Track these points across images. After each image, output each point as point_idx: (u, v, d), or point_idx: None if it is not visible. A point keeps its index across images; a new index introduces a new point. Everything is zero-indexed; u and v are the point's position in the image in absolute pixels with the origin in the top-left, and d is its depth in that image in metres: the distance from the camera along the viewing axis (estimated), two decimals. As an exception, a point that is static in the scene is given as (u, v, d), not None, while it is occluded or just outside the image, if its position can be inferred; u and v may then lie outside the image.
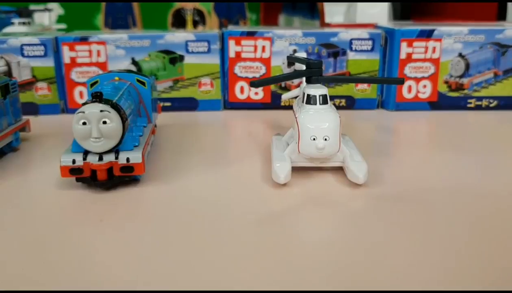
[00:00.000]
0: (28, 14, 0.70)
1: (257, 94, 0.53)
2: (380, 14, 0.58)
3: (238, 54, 0.52)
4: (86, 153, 0.31)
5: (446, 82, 0.52)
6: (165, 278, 0.23)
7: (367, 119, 0.51)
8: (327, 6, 0.60)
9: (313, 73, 0.35)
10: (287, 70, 0.52)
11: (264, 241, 0.26)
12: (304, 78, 0.38)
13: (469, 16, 0.70)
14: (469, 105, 0.53)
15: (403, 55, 0.51)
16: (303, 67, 0.38)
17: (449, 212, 0.30)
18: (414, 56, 0.51)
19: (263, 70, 0.52)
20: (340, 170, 0.36)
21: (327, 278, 0.23)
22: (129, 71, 0.40)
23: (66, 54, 0.50)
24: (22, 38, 0.50)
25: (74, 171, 0.31)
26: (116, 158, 0.31)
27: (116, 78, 0.38)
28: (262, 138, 0.44)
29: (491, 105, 0.53)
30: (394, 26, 0.51)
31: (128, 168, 0.32)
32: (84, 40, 0.50)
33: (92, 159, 0.31)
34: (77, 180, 0.32)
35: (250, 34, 0.52)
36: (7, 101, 0.39)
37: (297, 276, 0.23)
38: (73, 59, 0.51)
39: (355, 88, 0.53)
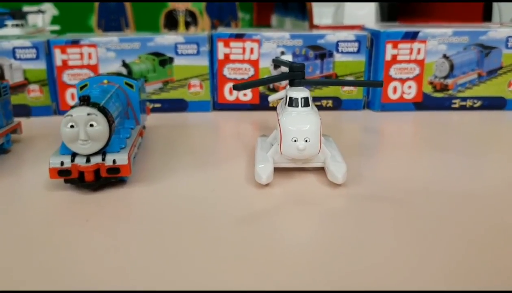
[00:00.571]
0: (22, 16, 0.71)
1: (246, 95, 0.54)
2: (368, 16, 0.59)
3: (227, 56, 0.53)
4: (74, 154, 0.32)
5: (431, 83, 0.53)
6: (150, 278, 0.24)
7: (352, 120, 0.52)
8: (315, 8, 0.61)
9: (296, 76, 0.36)
10: (274, 72, 0.53)
11: (245, 242, 0.27)
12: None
13: (456, 17, 0.71)
14: (453, 105, 0.54)
15: (388, 57, 0.52)
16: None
17: (427, 212, 0.31)
18: (399, 58, 0.52)
19: (251, 72, 0.53)
20: (321, 170, 0.37)
21: (306, 276, 0.24)
22: (118, 74, 0.41)
23: (58, 56, 0.51)
24: (14, 41, 0.51)
25: (63, 173, 0.32)
26: (103, 159, 0.32)
27: (105, 81, 0.39)
28: (249, 139, 0.45)
29: (475, 105, 0.54)
30: (379, 28, 0.52)
31: (114, 170, 0.33)
32: (75, 43, 0.51)
33: (80, 161, 0.32)
34: (66, 181, 0.33)
35: (239, 37, 0.52)
36: (-1, 104, 0.40)
37: (278, 275, 0.24)
38: (64, 62, 0.52)
39: (342, 89, 0.54)
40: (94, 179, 0.32)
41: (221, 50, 0.53)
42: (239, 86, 0.33)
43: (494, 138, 0.47)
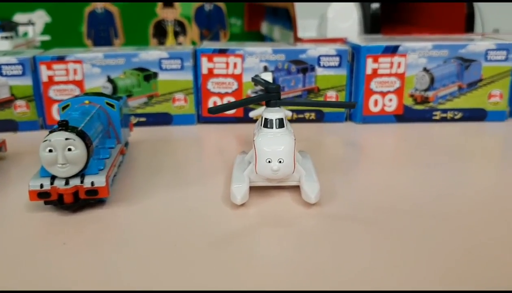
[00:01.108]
0: (12, 28, 0.72)
1: (230, 109, 0.55)
2: (351, 29, 0.59)
3: (210, 70, 0.54)
4: (53, 177, 0.33)
5: (412, 95, 0.54)
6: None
7: (334, 133, 0.53)
8: (299, 20, 0.62)
9: (272, 97, 0.37)
10: (256, 88, 0.54)
11: (218, 264, 0.28)
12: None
13: (439, 27, 0.72)
14: (434, 117, 0.55)
15: (369, 71, 0.53)
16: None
17: (401, 231, 0.31)
18: (379, 71, 0.53)
19: (235, 86, 0.54)
20: (297, 188, 0.37)
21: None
22: (99, 94, 0.42)
23: (44, 73, 0.52)
24: (0, 58, 0.52)
25: (42, 195, 0.33)
26: (82, 182, 0.33)
27: (86, 101, 0.40)
28: (231, 154, 0.45)
29: (456, 117, 0.55)
30: (361, 42, 0.53)
31: (93, 191, 0.33)
32: (61, 59, 0.52)
33: (59, 183, 0.33)
34: (45, 202, 0.34)
35: (222, 52, 0.53)
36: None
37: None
38: (50, 78, 0.52)
39: (324, 102, 0.55)
40: (73, 200, 0.33)
41: (205, 65, 0.53)
42: (213, 109, 0.34)
43: (475, 150, 0.48)
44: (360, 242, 0.30)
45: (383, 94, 0.54)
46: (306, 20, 0.63)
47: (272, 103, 0.37)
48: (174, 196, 0.37)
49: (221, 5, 0.80)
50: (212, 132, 0.54)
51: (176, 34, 0.78)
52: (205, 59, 0.53)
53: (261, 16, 1.07)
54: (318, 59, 0.54)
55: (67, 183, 0.33)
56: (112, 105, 0.41)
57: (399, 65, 0.53)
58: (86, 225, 0.33)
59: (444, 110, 0.55)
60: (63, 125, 0.33)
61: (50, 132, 0.33)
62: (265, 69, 0.54)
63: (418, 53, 0.53)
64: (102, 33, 0.77)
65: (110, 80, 0.53)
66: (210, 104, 0.55)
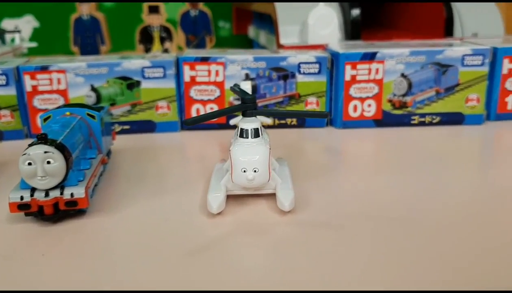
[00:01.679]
0: (-2, 35, 0.72)
1: (212, 116, 0.55)
2: (331, 35, 0.60)
3: (193, 78, 0.55)
4: (33, 189, 0.34)
5: (390, 101, 0.55)
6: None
7: (314, 139, 0.54)
8: (281, 27, 0.63)
9: (247, 108, 0.38)
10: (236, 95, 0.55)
11: (193, 274, 0.29)
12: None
13: (419, 32, 0.73)
14: (412, 121, 0.56)
15: (348, 77, 0.54)
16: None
17: (371, 237, 0.33)
18: (358, 78, 0.54)
19: (217, 93, 0.55)
20: (274, 195, 0.38)
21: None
22: (80, 105, 0.43)
23: (28, 82, 0.53)
24: (-16, 68, 0.52)
25: (22, 207, 0.34)
26: (61, 193, 0.34)
27: (67, 113, 0.41)
28: (211, 162, 0.46)
29: (434, 121, 0.56)
30: (340, 49, 0.54)
31: (72, 203, 0.34)
32: (44, 69, 0.53)
33: (39, 195, 0.34)
34: (26, 214, 0.35)
35: (204, 60, 0.54)
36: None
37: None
38: (34, 88, 0.53)
39: (305, 108, 0.56)
40: (53, 211, 0.34)
41: (187, 73, 0.54)
42: (189, 121, 0.35)
43: (453, 154, 0.49)
44: (332, 248, 0.31)
45: (362, 100, 0.55)
46: (289, 26, 0.64)
47: (248, 113, 0.38)
48: (153, 205, 0.38)
49: (207, 10, 0.81)
50: (195, 139, 0.55)
51: (162, 40, 0.79)
52: (187, 67, 0.54)
53: (248, 20, 1.07)
54: (298, 66, 0.55)
55: (47, 195, 0.34)
56: (93, 116, 0.42)
57: (377, 71, 0.54)
58: (65, 235, 0.33)
59: (422, 115, 0.56)
60: (42, 139, 0.34)
61: (29, 145, 0.34)
62: (247, 76, 0.55)
63: (396, 60, 0.54)
64: (88, 39, 0.78)
65: (93, 89, 0.54)
66: (193, 111, 0.56)
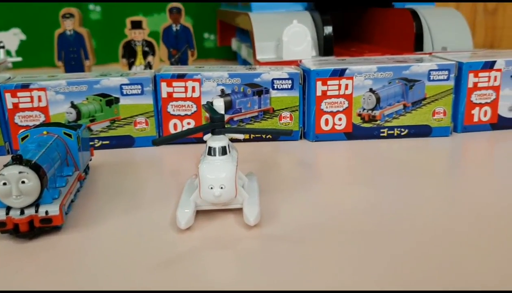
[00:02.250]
0: (-18, 51, 0.73)
1: (189, 130, 0.57)
2: (304, 51, 0.63)
3: (170, 94, 0.56)
4: (8, 207, 0.36)
5: (360, 114, 0.57)
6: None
7: (287, 152, 0.56)
8: (257, 43, 0.65)
9: (215, 126, 0.40)
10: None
11: (160, 287, 0.30)
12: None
13: (391, 46, 0.76)
14: (382, 134, 0.58)
15: (319, 93, 0.56)
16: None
17: (335, 250, 0.34)
18: (329, 93, 0.56)
19: (194, 108, 0.57)
20: (242, 210, 0.40)
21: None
22: (58, 124, 0.44)
23: (9, 100, 0.54)
24: (-34, 86, 0.54)
25: (-2, 225, 0.36)
26: (36, 211, 0.36)
27: (45, 132, 0.43)
28: (186, 177, 0.48)
29: (403, 133, 0.59)
30: (311, 66, 0.57)
31: (47, 220, 0.36)
32: (25, 87, 0.54)
33: (14, 213, 0.36)
34: (1, 232, 0.36)
35: (180, 77, 0.56)
36: None
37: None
38: (15, 105, 0.55)
39: (279, 122, 0.58)
40: (28, 229, 0.36)
41: (164, 89, 0.56)
42: (157, 141, 0.36)
43: (421, 165, 0.52)
44: (296, 261, 0.33)
45: (333, 114, 0.57)
46: (265, 42, 0.66)
47: (216, 131, 0.40)
48: (126, 221, 0.40)
49: (189, 25, 0.83)
50: (172, 154, 0.56)
51: (145, 54, 0.81)
52: (164, 84, 0.56)
53: (232, 33, 1.10)
54: (272, 82, 0.57)
55: (22, 213, 0.36)
56: (69, 135, 0.43)
57: (346, 87, 0.56)
58: (40, 252, 0.35)
59: (391, 128, 0.58)
60: (17, 159, 0.35)
61: (4, 166, 0.35)
62: (222, 92, 0.57)
63: (364, 75, 0.56)
64: (72, 54, 0.79)
65: (73, 106, 0.55)
66: (171, 126, 0.58)
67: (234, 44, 1.00)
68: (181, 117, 0.57)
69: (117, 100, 0.56)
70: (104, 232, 0.38)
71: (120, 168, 0.52)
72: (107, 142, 0.57)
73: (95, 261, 0.34)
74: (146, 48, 0.80)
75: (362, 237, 0.36)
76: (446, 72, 0.58)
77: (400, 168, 0.50)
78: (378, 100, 0.57)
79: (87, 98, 0.56)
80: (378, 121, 0.58)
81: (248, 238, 0.36)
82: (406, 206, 0.41)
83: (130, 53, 0.79)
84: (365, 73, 0.56)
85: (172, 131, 0.58)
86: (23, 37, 1.16)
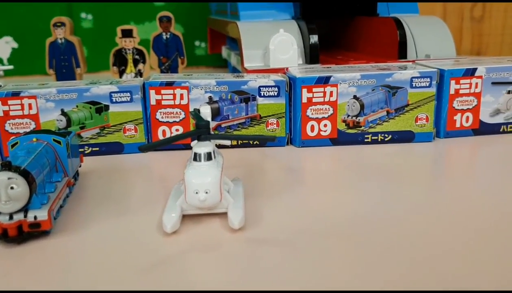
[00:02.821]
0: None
1: (178, 137, 0.59)
2: (291, 59, 0.64)
3: (158, 102, 0.58)
4: (-2, 213, 0.37)
5: (344, 121, 0.59)
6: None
7: (274, 157, 0.57)
8: (245, 51, 0.67)
9: (201, 133, 0.41)
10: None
11: (146, 290, 0.31)
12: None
13: (375, 55, 0.78)
14: (366, 140, 0.60)
15: (304, 100, 0.57)
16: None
17: (318, 254, 0.35)
18: (314, 100, 0.58)
19: (182, 115, 0.58)
20: (227, 214, 0.41)
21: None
22: (47, 131, 0.45)
23: (0, 108, 0.55)
24: (-43, 95, 0.55)
25: (-13, 230, 0.36)
26: (25, 216, 0.37)
27: (34, 139, 0.44)
28: (175, 182, 0.49)
29: (386, 139, 0.60)
30: (296, 74, 0.58)
31: (35, 225, 0.37)
32: (15, 95, 0.55)
33: (3, 218, 0.36)
34: (-9, 237, 0.37)
35: (169, 85, 0.57)
36: None
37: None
38: (6, 113, 0.55)
39: (266, 129, 0.59)
40: (17, 233, 0.37)
41: (153, 97, 0.57)
42: (144, 148, 0.37)
43: (404, 170, 0.53)
44: (279, 264, 0.34)
45: (319, 120, 0.59)
46: (252, 51, 0.68)
47: (202, 138, 0.41)
48: (113, 225, 0.41)
49: (179, 33, 0.84)
50: (160, 160, 0.57)
51: (135, 62, 0.82)
52: (153, 92, 0.57)
53: (222, 41, 1.11)
54: (259, 89, 0.58)
55: (11, 218, 0.36)
56: (59, 142, 0.44)
57: (331, 94, 0.58)
58: (29, 255, 0.36)
59: (375, 134, 0.60)
60: (6, 166, 0.36)
61: (-6, 172, 0.36)
62: (210, 99, 0.58)
63: (348, 83, 0.58)
64: (63, 62, 0.80)
65: (64, 113, 0.56)
66: (160, 133, 0.59)
67: (224, 52, 1.01)
68: (169, 124, 0.58)
69: (106, 107, 0.57)
70: (92, 236, 0.39)
71: (109, 174, 0.53)
72: (97, 149, 0.58)
73: (83, 264, 0.35)
74: (137, 56, 0.81)
75: (345, 240, 0.37)
76: (428, 79, 0.59)
77: (384, 172, 0.52)
78: (362, 107, 0.58)
79: (77, 106, 0.57)
80: (363, 128, 0.59)
81: (233, 241, 0.37)
82: (389, 210, 0.42)
83: (121, 61, 0.80)
84: (349, 80, 0.58)
85: (161, 138, 0.59)
86: (15, 45, 1.17)
